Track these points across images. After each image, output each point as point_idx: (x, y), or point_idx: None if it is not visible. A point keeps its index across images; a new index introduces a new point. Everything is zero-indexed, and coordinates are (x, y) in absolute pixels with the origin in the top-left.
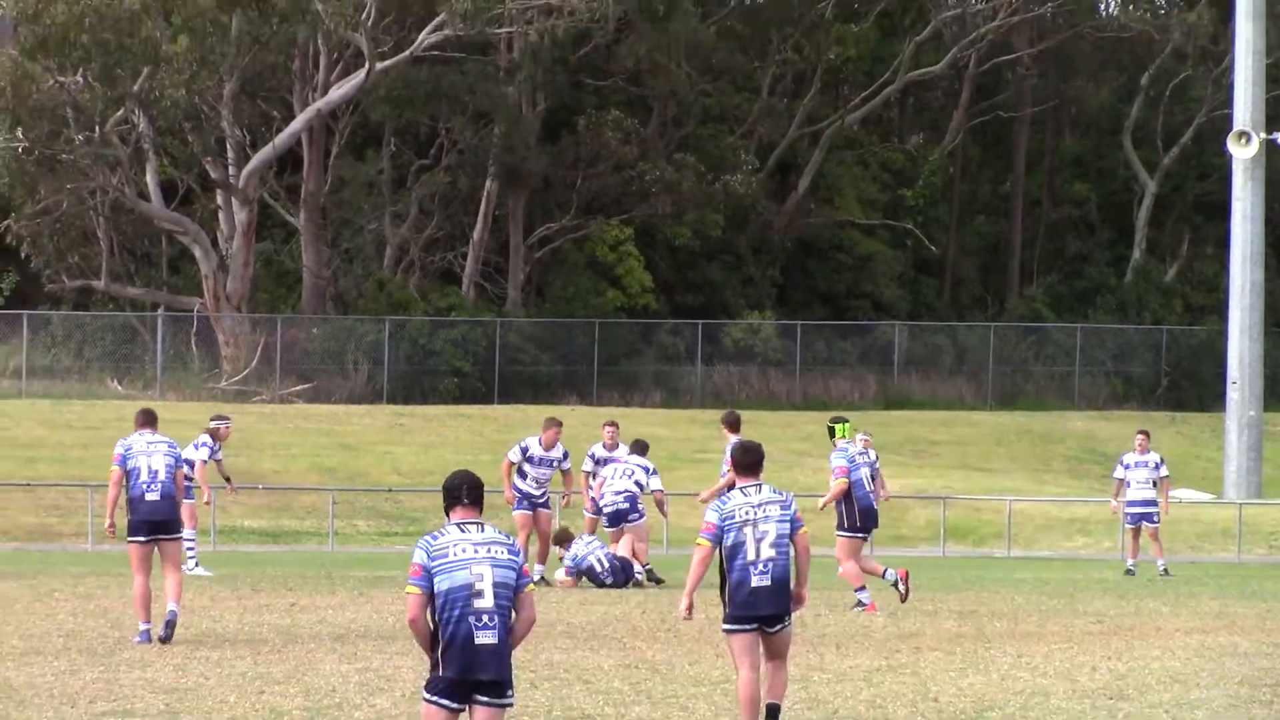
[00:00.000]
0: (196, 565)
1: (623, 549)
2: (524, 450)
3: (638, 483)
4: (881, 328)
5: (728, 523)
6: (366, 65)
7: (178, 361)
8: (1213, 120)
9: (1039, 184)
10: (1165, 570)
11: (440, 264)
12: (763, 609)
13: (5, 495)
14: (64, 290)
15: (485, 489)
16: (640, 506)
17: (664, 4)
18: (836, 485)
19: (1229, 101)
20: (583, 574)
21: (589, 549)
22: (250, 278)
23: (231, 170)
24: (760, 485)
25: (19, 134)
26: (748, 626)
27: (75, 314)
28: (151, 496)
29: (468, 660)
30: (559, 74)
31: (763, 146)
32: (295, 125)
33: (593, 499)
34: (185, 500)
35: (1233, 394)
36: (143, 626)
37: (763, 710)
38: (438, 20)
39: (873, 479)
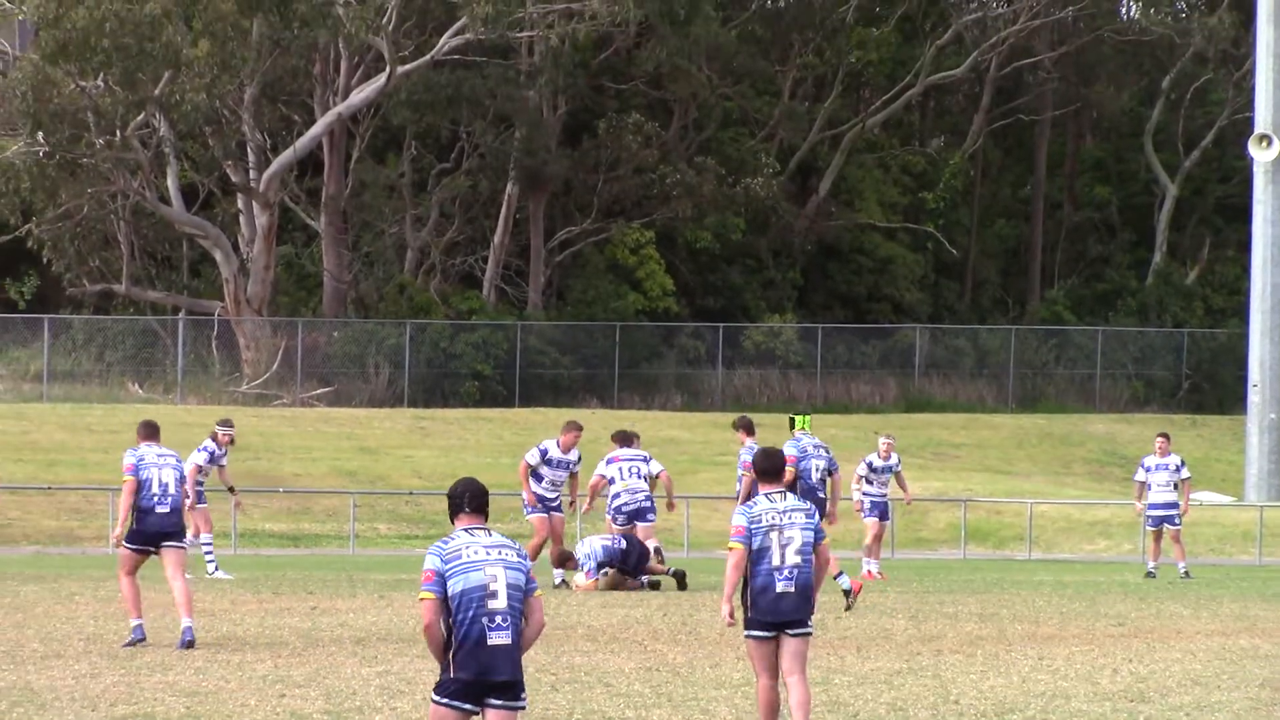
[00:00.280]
0: (216, 569)
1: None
2: (544, 453)
3: (643, 476)
4: (902, 330)
5: (755, 526)
6: (387, 69)
7: (198, 365)
8: (1234, 123)
9: (1060, 187)
10: (1186, 573)
11: (461, 267)
12: (786, 615)
13: (26, 499)
14: (85, 294)
15: (490, 495)
16: (653, 503)
17: (685, 7)
18: (785, 474)
19: (1250, 105)
20: (601, 565)
21: (590, 544)
22: (271, 281)
23: (252, 174)
24: (784, 493)
25: (40, 138)
26: (769, 633)
27: (96, 318)
28: (162, 510)
29: (482, 661)
30: (580, 77)
31: (783, 150)
32: (316, 129)
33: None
34: (199, 505)
35: (1253, 397)
36: (134, 622)
37: None
38: (459, 24)
39: (900, 483)
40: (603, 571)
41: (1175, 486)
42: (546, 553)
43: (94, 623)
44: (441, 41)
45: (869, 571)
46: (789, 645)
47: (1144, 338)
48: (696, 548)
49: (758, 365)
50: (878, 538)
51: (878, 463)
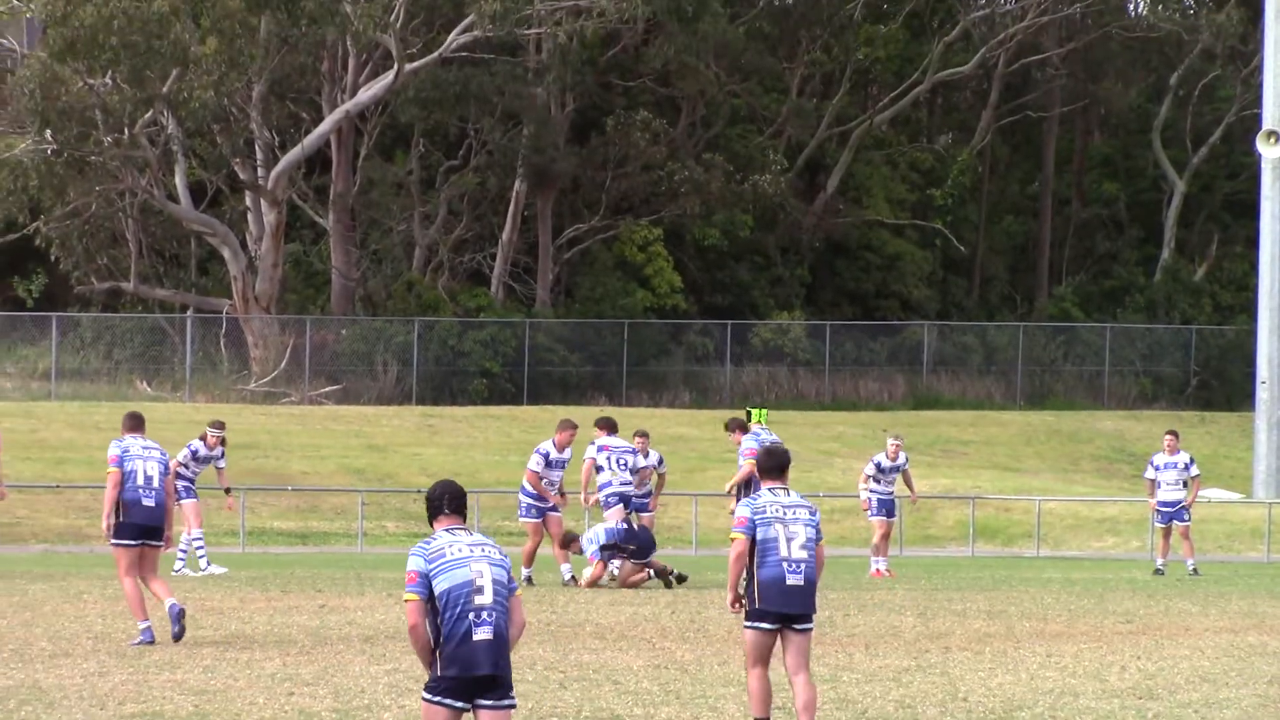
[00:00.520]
0: (209, 565)
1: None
2: (545, 457)
3: (631, 469)
4: (911, 327)
5: (760, 517)
6: (395, 66)
7: (206, 363)
8: (1242, 120)
9: (1068, 184)
10: (1194, 570)
11: (469, 265)
12: (794, 608)
13: (35, 497)
14: (93, 292)
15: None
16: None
17: (693, 5)
18: (744, 466)
19: (1258, 101)
20: (606, 549)
21: (594, 530)
22: (279, 279)
23: (260, 171)
24: (787, 489)
25: (48, 136)
26: (772, 625)
27: (104, 316)
28: (148, 502)
29: (468, 657)
30: (588, 75)
31: (791, 147)
32: (324, 126)
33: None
34: (189, 500)
35: (1262, 393)
36: (143, 625)
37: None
38: (466, 21)
39: (907, 482)
40: (610, 570)
41: (1185, 484)
42: (549, 552)
43: (102, 621)
44: (449, 39)
45: (877, 569)
46: (795, 641)
47: (1152, 334)
48: (704, 545)
49: (766, 362)
50: (886, 535)
51: (886, 463)
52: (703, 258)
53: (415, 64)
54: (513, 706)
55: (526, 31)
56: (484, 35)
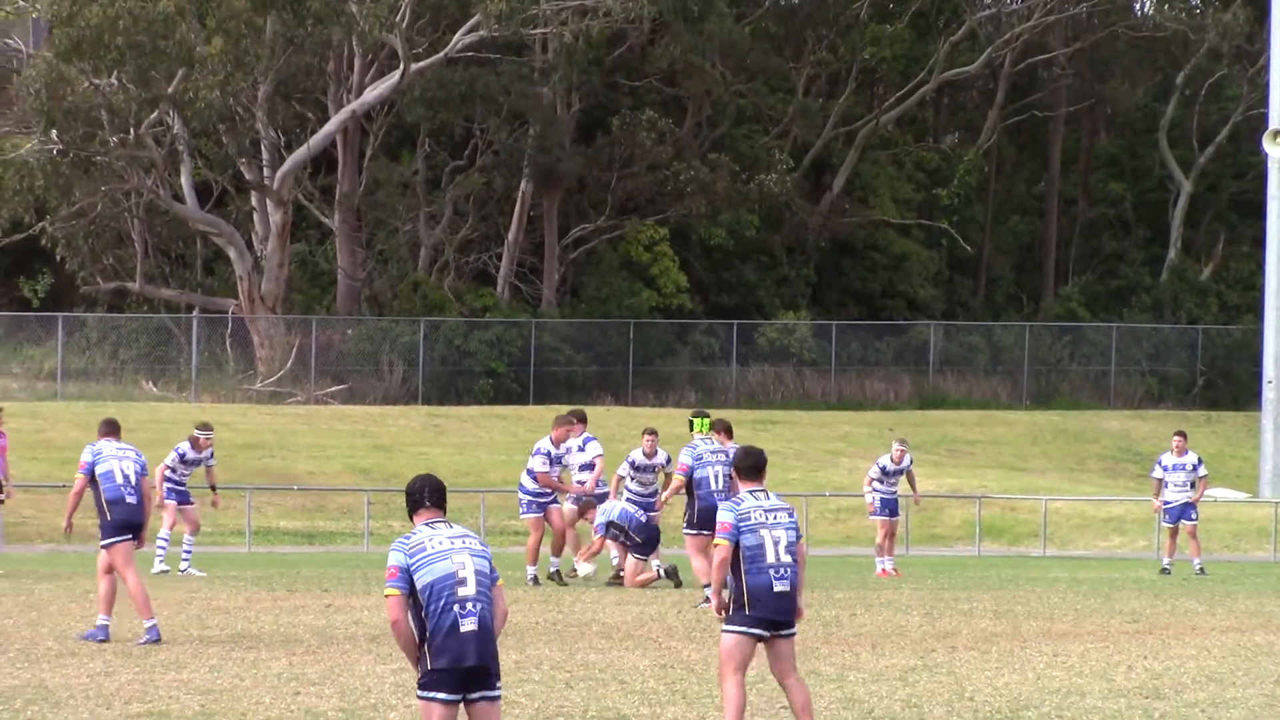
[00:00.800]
0: (161, 562)
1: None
2: (548, 456)
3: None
4: (917, 327)
5: (744, 523)
6: (401, 66)
7: (212, 363)
8: (1248, 119)
9: (1074, 183)
10: (1201, 569)
11: (475, 265)
12: (783, 614)
13: (41, 497)
14: (99, 292)
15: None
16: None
17: (699, 4)
18: (674, 481)
19: (1265, 100)
20: (611, 526)
21: (613, 506)
22: (285, 279)
23: (266, 172)
24: (766, 491)
25: (54, 136)
26: (757, 631)
27: (110, 316)
28: (131, 500)
29: (456, 648)
30: (593, 74)
31: (797, 146)
32: (330, 126)
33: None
34: (184, 505)
35: (1268, 393)
36: (147, 624)
37: None
38: (472, 21)
39: (910, 483)
40: (611, 558)
41: (1193, 485)
42: (545, 550)
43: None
44: (455, 39)
45: (884, 569)
46: (782, 647)
47: (1158, 334)
48: None
49: (772, 362)
50: (891, 534)
51: (891, 466)
52: (708, 257)
53: (421, 64)
54: (498, 696)
55: (532, 31)
56: (490, 35)
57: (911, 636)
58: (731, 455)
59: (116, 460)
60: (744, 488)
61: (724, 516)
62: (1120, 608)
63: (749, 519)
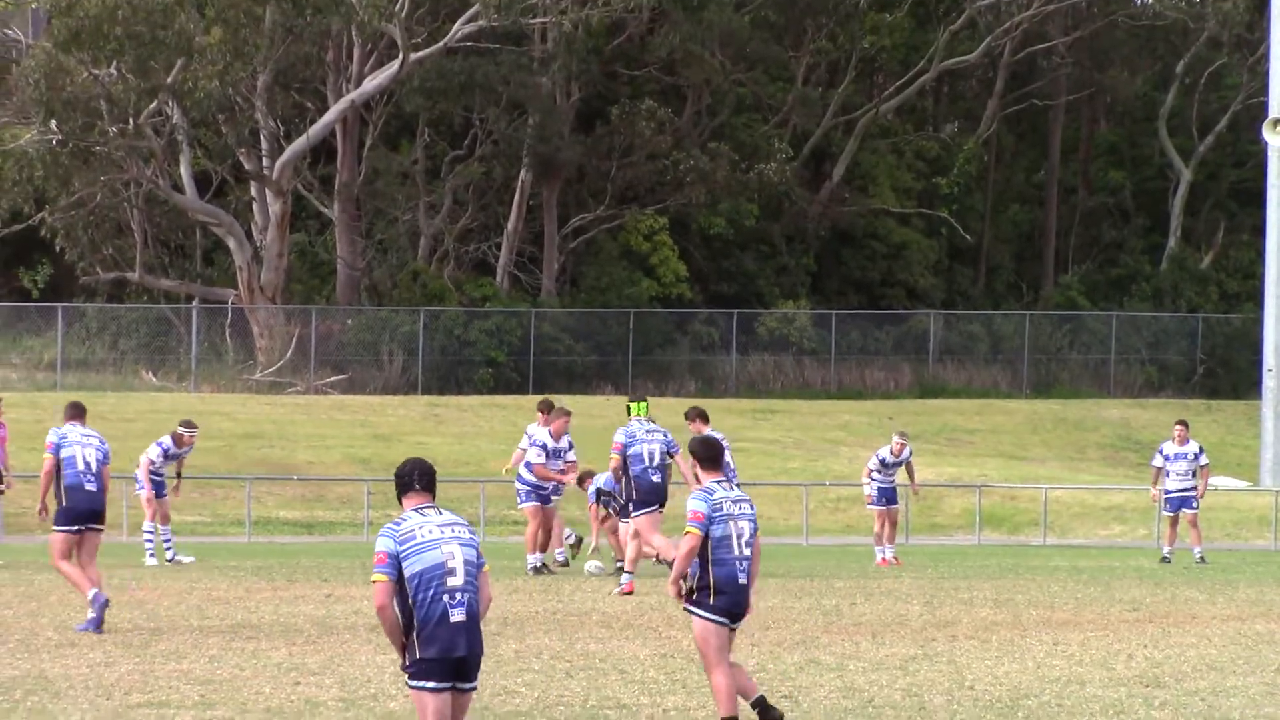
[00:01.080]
0: (175, 555)
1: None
2: (544, 448)
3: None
4: (916, 316)
5: (716, 513)
6: (400, 56)
7: (212, 353)
8: (1248, 108)
9: (1074, 172)
10: (1201, 558)
11: (474, 254)
12: (741, 606)
13: (40, 488)
14: (98, 282)
15: (438, 476)
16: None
17: None
18: (611, 461)
19: (1265, 89)
20: (601, 493)
21: (601, 475)
22: (284, 269)
23: (265, 161)
24: (729, 481)
25: (53, 126)
26: (729, 622)
27: (110, 306)
28: (90, 487)
29: (446, 639)
30: (593, 64)
31: (797, 135)
32: (329, 116)
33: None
34: (158, 497)
35: (1268, 381)
36: (91, 592)
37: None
38: (471, 11)
39: (909, 473)
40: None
41: (1194, 474)
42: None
43: (108, 612)
44: (454, 28)
45: (884, 558)
46: (729, 638)
47: (1158, 323)
48: None
49: (771, 351)
50: (892, 523)
51: (890, 459)
52: (708, 247)
53: (420, 54)
54: (475, 687)
55: (531, 21)
56: (489, 25)
57: (912, 625)
58: (698, 445)
59: (80, 446)
60: (710, 478)
61: (697, 505)
62: (1120, 596)
63: (722, 509)
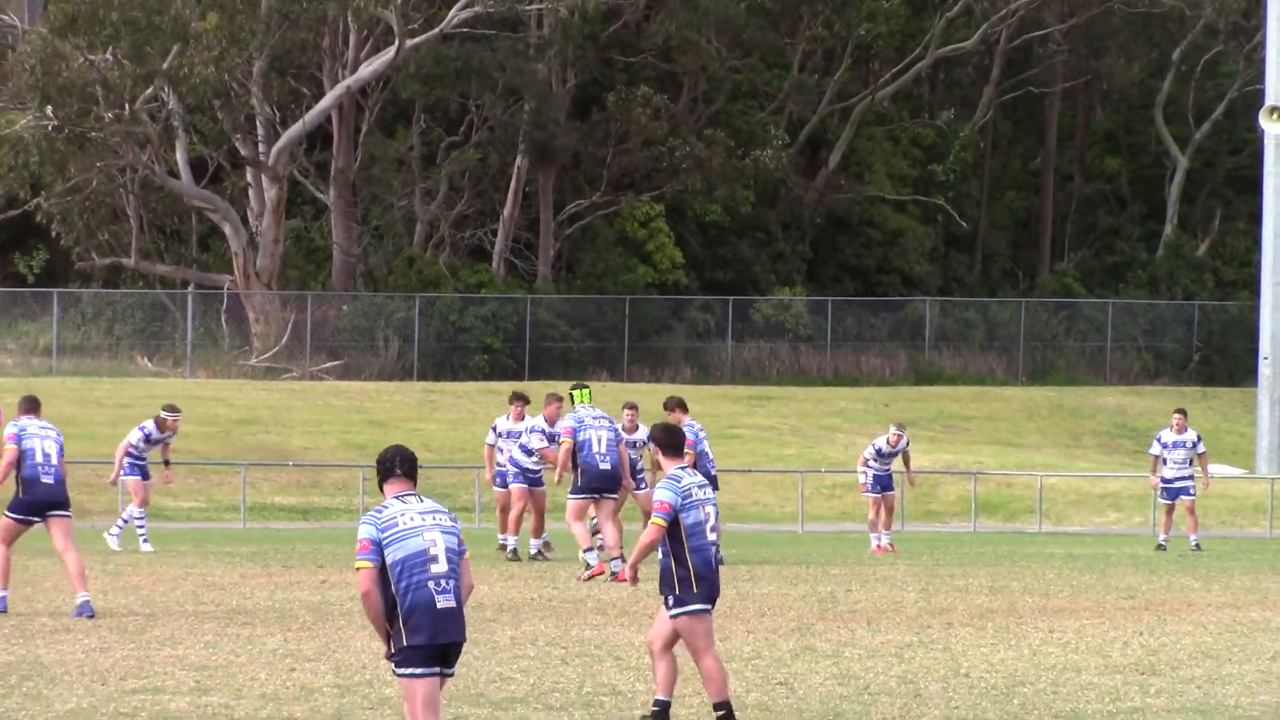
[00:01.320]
0: (146, 543)
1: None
2: (543, 434)
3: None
4: (912, 303)
5: (686, 501)
6: (397, 42)
7: (208, 339)
8: (1245, 95)
9: (1070, 159)
10: (1197, 545)
11: (470, 240)
12: (716, 590)
13: None
14: (94, 268)
15: (420, 463)
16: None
17: None
18: (562, 448)
19: (1261, 77)
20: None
21: None
22: (280, 255)
23: (261, 147)
24: (690, 469)
25: (49, 112)
26: (707, 606)
27: (105, 291)
28: (47, 480)
29: (433, 625)
30: (589, 50)
31: (793, 122)
32: (325, 102)
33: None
34: (133, 476)
35: (1264, 369)
36: (2, 593)
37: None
38: None
39: (905, 462)
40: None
41: (1191, 462)
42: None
43: (103, 597)
44: (450, 14)
45: (879, 545)
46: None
47: (1154, 310)
48: None
49: (767, 338)
50: (889, 510)
51: (886, 449)
52: (704, 233)
53: (416, 40)
54: (453, 673)
55: (528, 7)
56: (485, 11)
57: (907, 612)
58: (661, 431)
59: (39, 439)
60: (675, 465)
61: (664, 495)
62: (1116, 584)
63: (691, 495)
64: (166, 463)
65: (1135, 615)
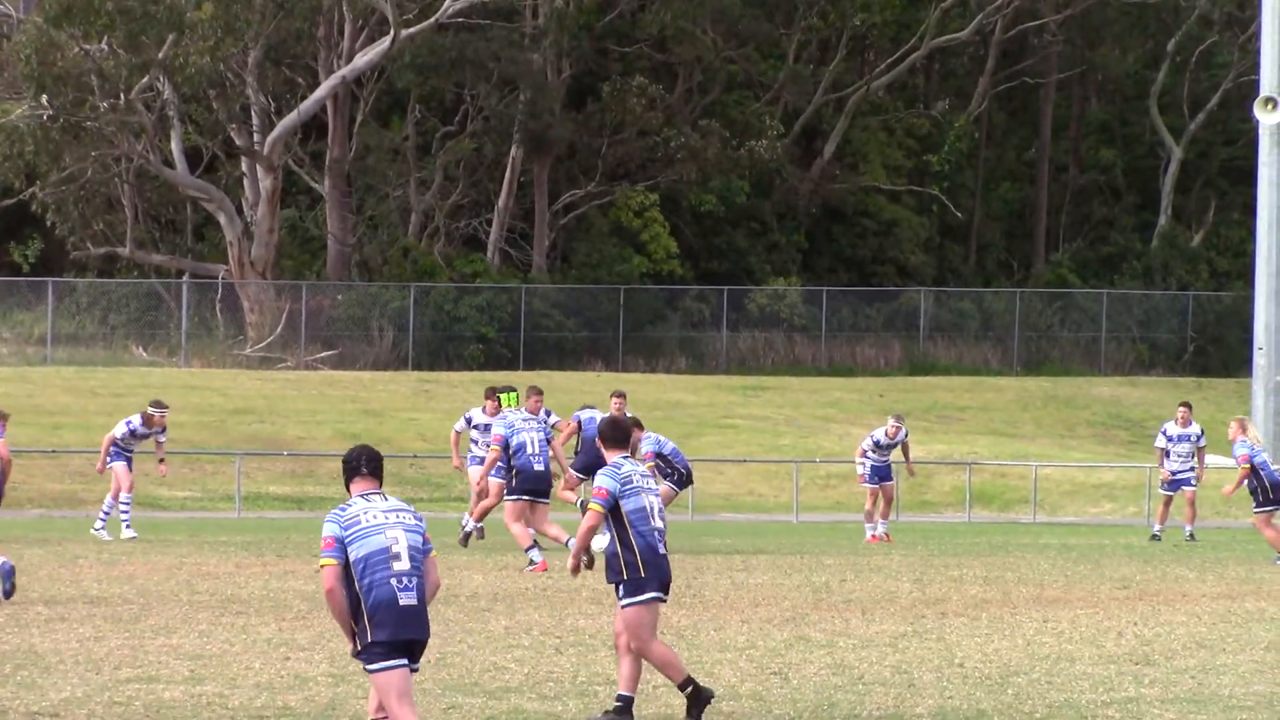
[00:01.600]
0: (129, 529)
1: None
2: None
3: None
4: (907, 293)
5: (626, 488)
6: (391, 32)
7: (202, 328)
8: (1239, 86)
9: (1065, 150)
10: (1191, 536)
11: (465, 230)
12: (667, 575)
13: (31, 462)
14: (89, 257)
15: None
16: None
17: None
18: (490, 453)
19: (1256, 68)
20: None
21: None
22: (275, 244)
23: (256, 137)
24: (632, 459)
25: (44, 101)
26: (658, 594)
27: (100, 281)
28: None
29: (396, 622)
30: (584, 40)
31: (788, 113)
32: (320, 92)
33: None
34: (119, 462)
35: (1259, 359)
36: None
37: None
38: None
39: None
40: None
41: (1194, 455)
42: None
43: (98, 586)
44: (445, 4)
45: (873, 535)
46: (658, 611)
47: (1149, 301)
48: (700, 510)
49: (762, 328)
50: (888, 500)
51: (884, 441)
52: (699, 224)
53: (411, 29)
54: (418, 668)
55: None
56: (480, 1)
57: (901, 602)
58: (605, 423)
59: None
60: (617, 455)
61: (603, 482)
62: (1110, 574)
63: (631, 482)
64: (160, 460)
65: (1130, 605)
